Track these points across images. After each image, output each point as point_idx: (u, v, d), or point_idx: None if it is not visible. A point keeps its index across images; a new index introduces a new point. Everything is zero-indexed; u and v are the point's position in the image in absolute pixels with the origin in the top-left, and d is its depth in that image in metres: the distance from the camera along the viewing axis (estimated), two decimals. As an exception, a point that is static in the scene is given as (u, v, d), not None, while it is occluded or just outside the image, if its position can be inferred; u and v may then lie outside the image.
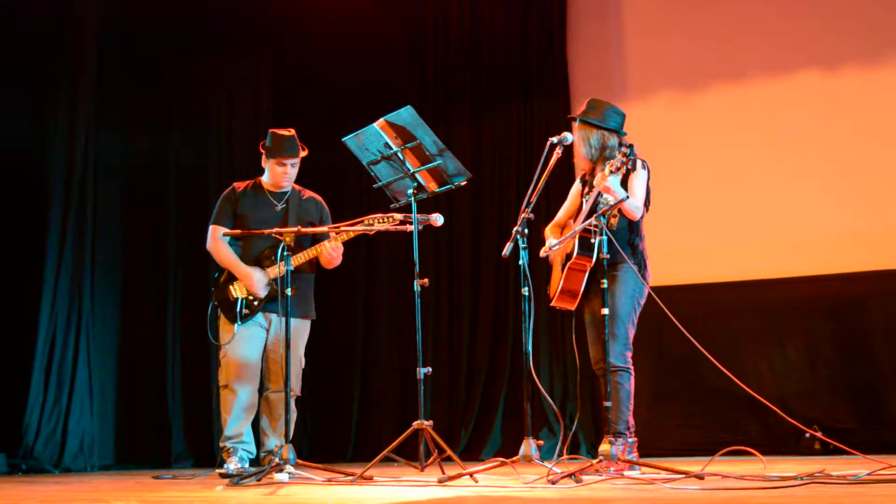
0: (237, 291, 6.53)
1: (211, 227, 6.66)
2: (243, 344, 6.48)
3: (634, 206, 5.60)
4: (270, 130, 6.62)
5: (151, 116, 9.02)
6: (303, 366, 6.56)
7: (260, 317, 6.54)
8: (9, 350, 8.08)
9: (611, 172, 5.26)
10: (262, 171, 6.71)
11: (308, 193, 6.76)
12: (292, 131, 6.58)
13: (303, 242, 6.45)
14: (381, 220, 6.05)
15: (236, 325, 6.50)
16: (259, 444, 6.60)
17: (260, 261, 6.51)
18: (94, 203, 8.46)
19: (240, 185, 6.73)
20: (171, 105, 9.12)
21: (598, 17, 9.02)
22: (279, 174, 6.57)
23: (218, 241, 6.60)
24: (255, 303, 6.50)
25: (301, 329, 6.52)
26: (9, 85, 8.31)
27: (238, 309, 6.49)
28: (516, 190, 8.75)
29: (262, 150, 6.63)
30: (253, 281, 6.46)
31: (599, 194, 5.36)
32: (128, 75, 8.92)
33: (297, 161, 6.58)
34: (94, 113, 8.52)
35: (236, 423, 6.44)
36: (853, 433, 7.39)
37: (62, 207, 8.25)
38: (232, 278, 6.57)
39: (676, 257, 8.09)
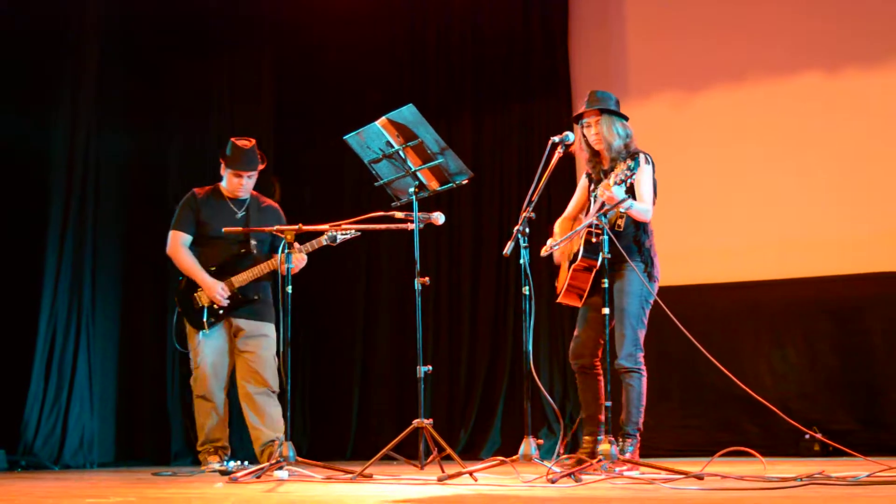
0: (201, 300, 6.75)
1: (171, 234, 6.88)
2: (212, 355, 6.77)
3: (643, 210, 5.59)
4: (231, 140, 6.82)
5: (152, 113, 9.03)
6: (277, 364, 6.69)
7: (224, 324, 6.79)
8: (9, 346, 8.08)
9: (615, 184, 5.25)
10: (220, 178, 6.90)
11: (266, 201, 6.99)
12: (252, 142, 6.80)
13: (262, 249, 6.76)
14: (343, 231, 6.26)
15: (201, 332, 6.76)
16: (250, 440, 6.80)
17: (224, 268, 6.73)
18: (95, 199, 8.46)
19: (200, 191, 6.92)
20: (172, 102, 9.13)
21: (599, 18, 9.01)
22: (235, 185, 6.81)
23: (180, 247, 6.82)
24: (220, 311, 6.72)
25: (270, 331, 6.75)
26: (11, 82, 8.31)
27: (204, 317, 6.73)
28: (517, 189, 8.74)
29: (221, 160, 6.84)
30: (215, 292, 6.67)
31: (604, 203, 5.36)
32: (129, 73, 8.92)
33: (254, 174, 6.81)
34: (95, 110, 8.49)
35: (213, 428, 6.78)
36: (852, 435, 7.39)
37: (63, 203, 8.24)
38: (194, 285, 6.77)
39: (677, 258, 8.06)
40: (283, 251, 5.86)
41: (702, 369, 7.40)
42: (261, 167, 6.83)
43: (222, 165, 6.85)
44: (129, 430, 8.66)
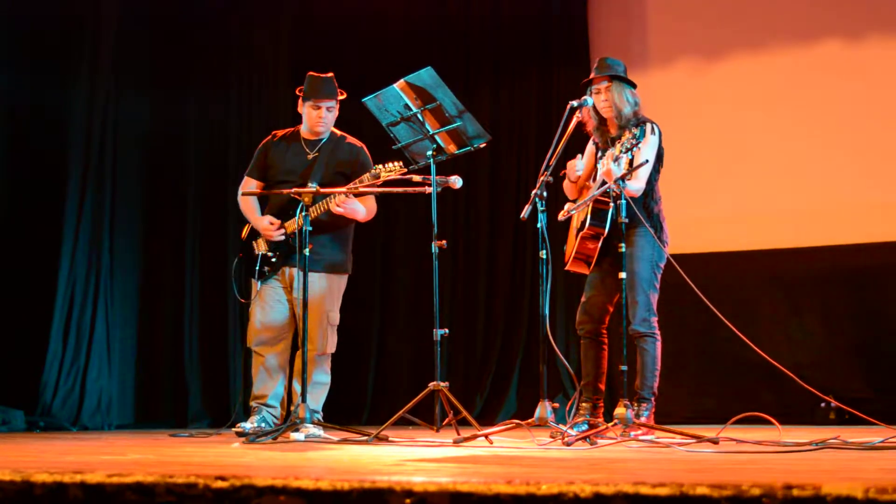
0: (258, 247, 6.42)
1: (244, 179, 6.56)
2: (264, 306, 6.37)
3: (634, 189, 5.52)
4: (308, 74, 6.40)
5: (172, 80, 8.97)
6: (334, 323, 6.38)
7: (280, 275, 6.42)
8: (28, 308, 8.14)
9: (622, 152, 5.24)
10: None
11: (349, 139, 6.49)
12: (331, 74, 6.38)
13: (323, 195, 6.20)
14: (387, 170, 5.97)
15: (258, 282, 6.41)
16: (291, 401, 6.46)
17: (280, 216, 6.35)
18: (113, 161, 8.51)
19: (279, 133, 6.56)
20: (192, 69, 9.09)
21: (619, -16, 8.98)
22: (314, 118, 6.33)
23: (244, 191, 6.49)
24: (274, 259, 6.37)
25: (334, 284, 6.41)
26: (30, 47, 8.33)
27: (258, 266, 6.39)
28: (535, 153, 8.74)
29: (299, 94, 6.41)
30: (264, 226, 6.32)
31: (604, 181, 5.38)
32: (148, 40, 8.90)
33: (333, 104, 6.35)
34: (114, 76, 8.56)
35: (260, 384, 6.38)
36: (868, 403, 7.37)
37: (81, 166, 8.31)
38: (255, 233, 6.46)
39: (694, 225, 8.08)
40: (300, 213, 5.81)
41: (718, 337, 7.39)
42: (341, 97, 6.37)
43: (299, 102, 6.41)
44: (147, 393, 8.71)
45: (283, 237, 6.34)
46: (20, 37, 8.32)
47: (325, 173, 6.27)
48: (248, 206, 6.50)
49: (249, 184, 6.50)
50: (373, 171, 6.01)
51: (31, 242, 8.23)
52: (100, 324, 8.29)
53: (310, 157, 6.39)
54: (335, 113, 6.41)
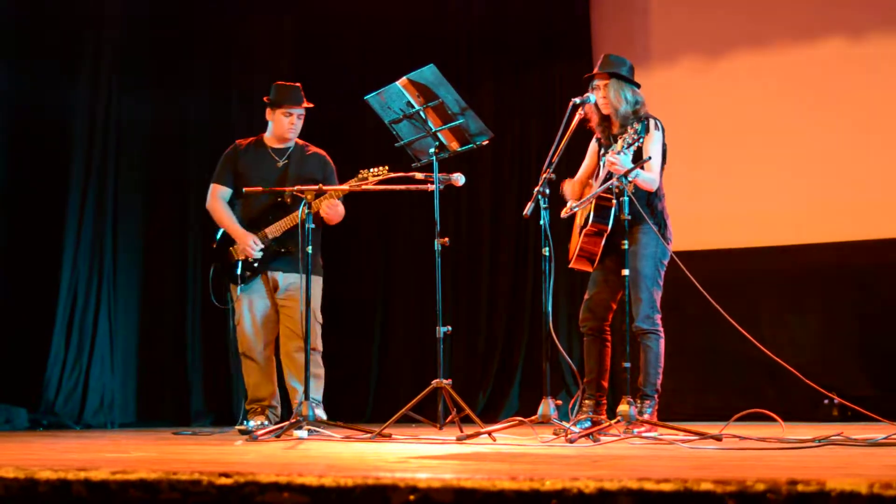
0: (236, 253, 6.52)
1: (211, 186, 6.66)
2: (251, 311, 6.50)
3: (649, 180, 5.54)
4: (275, 83, 6.58)
5: (173, 78, 8.95)
6: (320, 321, 6.51)
7: (261, 278, 6.52)
8: (31, 306, 8.14)
9: (624, 147, 5.24)
10: (265, 128, 6.66)
11: (312, 149, 6.67)
12: (298, 84, 6.56)
13: (300, 198, 6.12)
14: (373, 175, 6.03)
15: (239, 288, 6.52)
16: (290, 400, 6.55)
17: (258, 221, 6.49)
18: (116, 159, 8.50)
19: (242, 142, 6.68)
20: (192, 68, 9.07)
21: (622, -19, 8.97)
22: (285, 125, 6.50)
23: (217, 200, 6.61)
24: (255, 265, 6.48)
25: (315, 284, 6.43)
26: (31, 44, 8.33)
27: (239, 272, 6.50)
28: (537, 151, 8.72)
29: (266, 103, 6.57)
30: (247, 244, 6.43)
31: (610, 173, 5.37)
32: (150, 38, 8.87)
33: (303, 112, 6.54)
34: (116, 75, 8.56)
35: (258, 388, 6.50)
36: (871, 401, 7.35)
37: (84, 163, 8.30)
38: (230, 239, 6.56)
39: (697, 223, 8.07)
40: (302, 211, 5.82)
41: (721, 334, 7.37)
42: (307, 105, 6.53)
43: (267, 111, 6.56)
44: (149, 392, 8.70)
45: (261, 254, 6.45)
46: (21, 37, 8.31)
47: (296, 181, 6.37)
48: (224, 214, 6.60)
49: (222, 191, 6.61)
50: (359, 175, 6.14)
51: (34, 242, 8.23)
52: (102, 323, 8.29)
53: (279, 164, 6.56)
54: (302, 120, 6.58)
